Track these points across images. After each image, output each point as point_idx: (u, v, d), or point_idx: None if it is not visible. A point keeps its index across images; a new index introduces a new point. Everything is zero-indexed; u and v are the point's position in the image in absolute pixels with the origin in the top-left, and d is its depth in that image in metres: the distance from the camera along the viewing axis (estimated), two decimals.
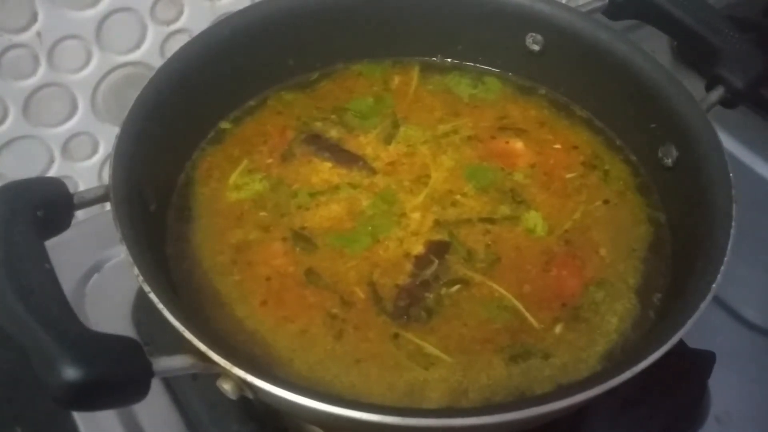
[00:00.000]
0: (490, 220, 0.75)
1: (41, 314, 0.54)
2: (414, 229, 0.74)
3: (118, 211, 0.64)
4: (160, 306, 0.58)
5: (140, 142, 0.70)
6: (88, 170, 1.03)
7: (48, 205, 0.62)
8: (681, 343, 0.59)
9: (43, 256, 0.58)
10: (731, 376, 0.81)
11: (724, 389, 0.81)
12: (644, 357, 0.56)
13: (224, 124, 0.82)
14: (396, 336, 0.66)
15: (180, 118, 0.76)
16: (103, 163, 1.04)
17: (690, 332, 0.59)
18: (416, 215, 0.75)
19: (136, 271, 0.60)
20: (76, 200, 0.65)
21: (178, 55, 0.77)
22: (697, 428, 0.79)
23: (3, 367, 0.85)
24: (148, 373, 0.54)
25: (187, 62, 0.77)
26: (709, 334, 0.79)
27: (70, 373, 0.51)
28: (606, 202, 0.77)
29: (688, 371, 0.79)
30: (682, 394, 0.79)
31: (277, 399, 0.55)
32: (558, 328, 0.68)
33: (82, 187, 0.80)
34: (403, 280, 0.70)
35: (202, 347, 0.55)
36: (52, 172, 1.01)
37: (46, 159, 1.00)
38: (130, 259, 0.60)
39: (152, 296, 0.58)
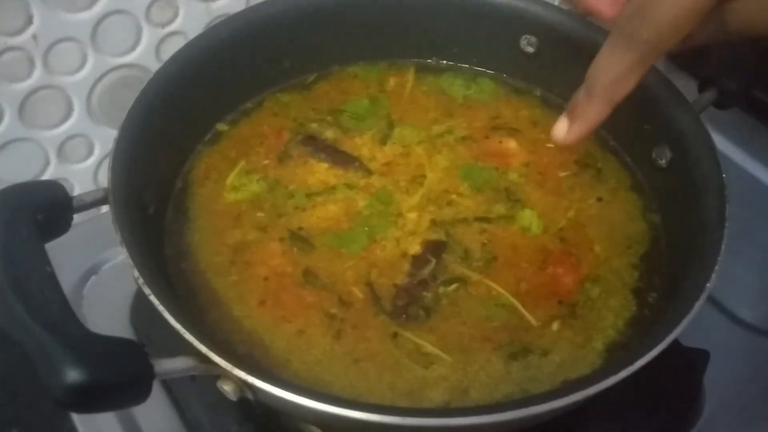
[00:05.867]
0: (486, 219, 0.75)
1: (43, 316, 0.54)
2: (411, 229, 0.74)
3: (118, 214, 0.64)
4: (161, 308, 0.58)
5: (138, 145, 0.70)
6: (83, 172, 1.03)
7: (48, 209, 0.62)
8: (675, 341, 0.59)
9: (44, 259, 0.58)
10: (725, 374, 0.82)
11: (718, 387, 0.81)
12: (642, 355, 0.57)
13: (221, 126, 0.83)
14: (395, 335, 0.67)
15: (177, 121, 0.76)
16: (98, 166, 1.04)
17: (684, 331, 0.59)
18: (413, 215, 0.75)
19: (136, 273, 0.60)
20: (75, 203, 0.65)
21: (175, 58, 0.77)
22: (691, 426, 0.80)
23: (0, 370, 0.85)
24: (149, 375, 0.54)
25: (184, 65, 0.77)
26: (703, 332, 0.79)
27: (73, 375, 0.51)
28: (599, 199, 0.78)
29: (683, 369, 0.80)
30: (676, 392, 0.79)
31: (278, 400, 0.55)
32: (555, 325, 0.68)
33: (77, 190, 0.80)
34: (400, 279, 0.70)
35: (204, 349, 0.56)
36: (47, 175, 1.01)
37: (41, 161, 1.00)
38: (131, 262, 0.61)
39: (153, 299, 0.59)
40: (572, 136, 0.67)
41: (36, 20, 0.89)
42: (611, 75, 0.62)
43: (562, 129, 0.67)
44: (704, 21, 0.59)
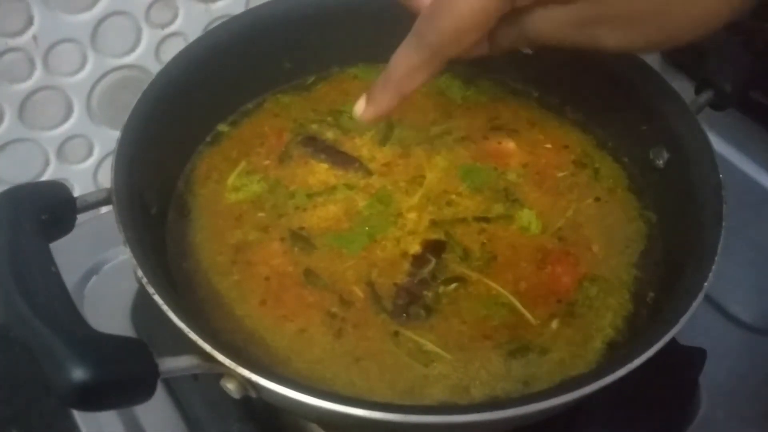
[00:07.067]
0: (485, 219, 0.76)
1: (48, 316, 0.54)
2: (410, 229, 0.75)
3: (121, 214, 0.64)
4: (165, 308, 0.59)
5: (141, 146, 0.70)
6: (83, 173, 1.04)
7: (52, 209, 0.63)
8: (672, 340, 0.60)
9: (49, 259, 0.59)
10: (721, 372, 0.83)
11: (714, 386, 0.82)
12: (640, 354, 0.57)
13: (222, 127, 0.83)
14: (396, 334, 0.67)
15: (179, 122, 0.77)
16: (98, 166, 1.04)
17: (681, 329, 0.60)
18: (412, 215, 0.76)
19: (140, 273, 0.60)
20: (79, 203, 0.65)
21: (176, 59, 0.77)
22: (688, 424, 0.81)
23: (0, 369, 0.85)
24: (154, 374, 0.55)
25: (185, 67, 0.77)
26: (699, 331, 0.80)
27: (78, 374, 0.51)
28: (597, 199, 0.78)
29: (680, 368, 0.80)
30: (673, 391, 0.80)
31: (282, 398, 0.56)
32: (554, 324, 0.69)
33: (77, 190, 0.80)
34: (401, 279, 0.71)
35: (208, 348, 0.56)
36: (47, 175, 1.02)
37: (41, 162, 1.00)
38: (134, 262, 0.61)
39: (157, 298, 0.59)
40: (366, 115, 0.72)
41: (36, 21, 0.90)
42: (402, 70, 0.68)
43: (359, 108, 0.72)
44: (504, 31, 0.66)
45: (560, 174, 0.80)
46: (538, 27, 0.64)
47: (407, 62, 0.67)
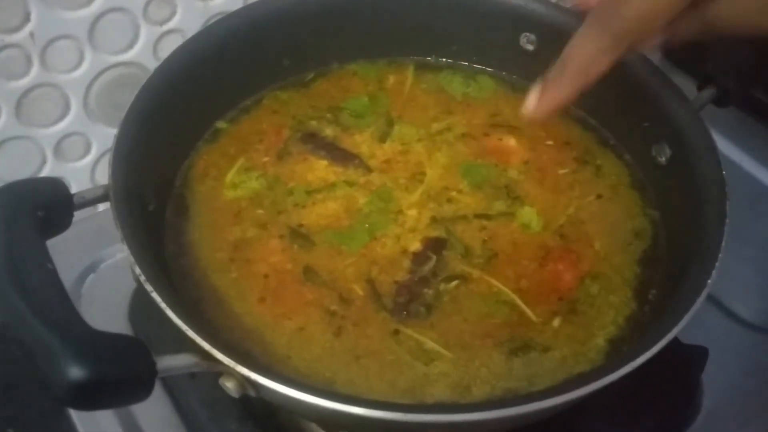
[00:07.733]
0: (486, 216, 0.75)
1: (45, 314, 0.54)
2: (411, 226, 0.74)
3: (119, 211, 0.64)
4: (163, 306, 0.58)
5: (138, 143, 0.70)
6: (80, 171, 1.03)
7: (49, 206, 0.62)
8: (674, 338, 0.59)
9: (45, 256, 0.58)
10: (723, 371, 0.82)
11: (716, 384, 0.82)
12: (643, 352, 0.57)
13: (220, 124, 0.83)
14: (396, 332, 0.67)
15: (177, 119, 0.76)
16: (95, 164, 1.04)
17: (683, 328, 0.59)
18: (413, 212, 0.75)
19: (138, 271, 0.60)
20: (76, 200, 0.65)
21: (174, 56, 0.77)
22: (689, 423, 0.80)
23: None
24: (152, 372, 0.54)
25: (183, 63, 0.77)
26: (701, 330, 0.80)
27: (75, 372, 0.51)
28: (599, 196, 0.78)
29: (681, 366, 0.80)
30: (675, 389, 0.80)
31: (282, 397, 0.55)
32: (556, 322, 0.68)
33: (74, 189, 0.80)
34: (401, 276, 0.70)
35: (206, 346, 0.56)
36: (44, 173, 1.01)
37: (38, 159, 1.00)
38: (132, 260, 0.61)
39: (155, 296, 0.58)
40: (542, 108, 0.66)
41: (33, 18, 0.89)
42: (584, 55, 0.63)
43: (531, 104, 0.67)
44: (687, 18, 0.61)
45: (562, 171, 0.80)
46: (725, 13, 0.60)
47: (587, 48, 0.63)
